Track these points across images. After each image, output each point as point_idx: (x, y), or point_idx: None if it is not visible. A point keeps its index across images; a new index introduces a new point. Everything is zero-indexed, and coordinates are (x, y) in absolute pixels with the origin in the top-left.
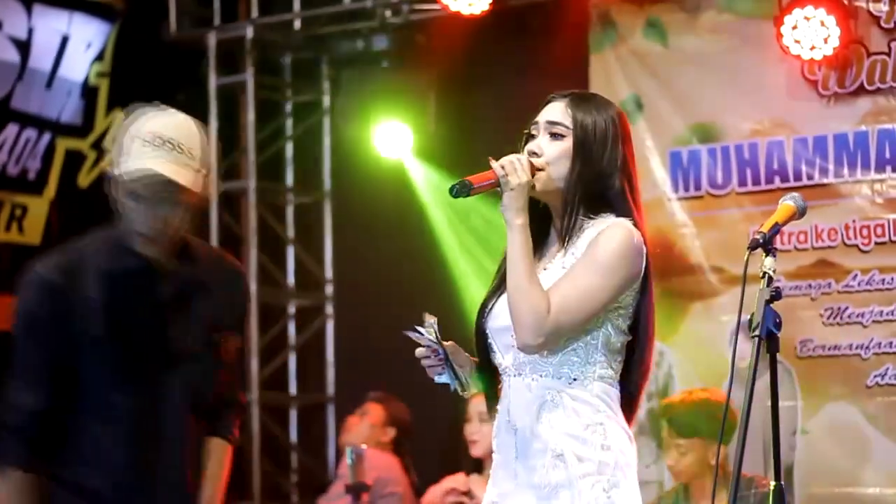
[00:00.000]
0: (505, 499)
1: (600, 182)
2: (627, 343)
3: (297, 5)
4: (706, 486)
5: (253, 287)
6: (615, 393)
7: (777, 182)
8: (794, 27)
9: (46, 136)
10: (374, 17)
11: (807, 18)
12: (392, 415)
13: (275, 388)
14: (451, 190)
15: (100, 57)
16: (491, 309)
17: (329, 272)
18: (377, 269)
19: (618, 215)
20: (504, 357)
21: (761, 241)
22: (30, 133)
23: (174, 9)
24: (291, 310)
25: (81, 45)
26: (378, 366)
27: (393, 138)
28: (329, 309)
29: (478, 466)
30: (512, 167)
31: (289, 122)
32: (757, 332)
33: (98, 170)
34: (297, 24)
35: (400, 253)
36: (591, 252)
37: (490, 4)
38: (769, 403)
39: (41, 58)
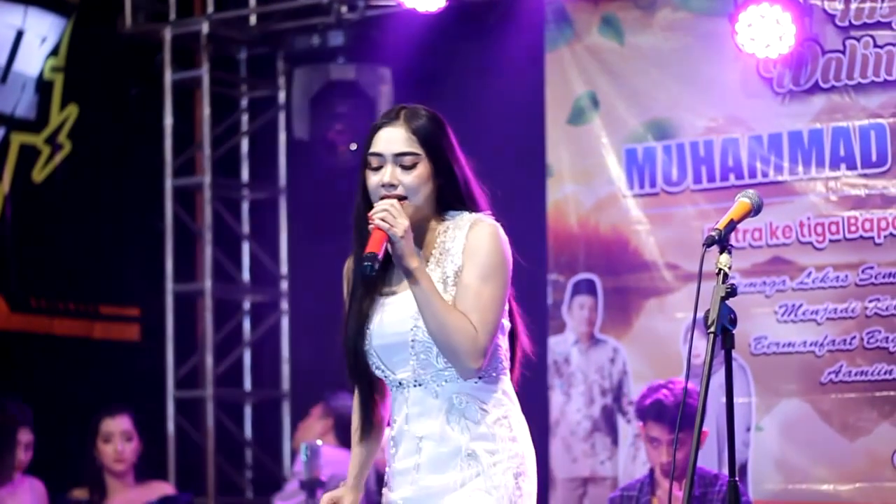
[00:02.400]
0: (416, 500)
1: (458, 189)
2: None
3: (252, 1)
4: None
5: (208, 283)
6: (509, 381)
7: (732, 179)
8: (750, 25)
9: (0, 131)
10: (329, 13)
11: (762, 16)
12: (335, 408)
13: (230, 385)
14: (364, 271)
15: (55, 51)
16: (370, 329)
17: (284, 268)
18: (332, 264)
19: (469, 209)
20: (397, 372)
21: (717, 237)
22: None
23: (129, 3)
24: (246, 305)
25: (36, 40)
26: (333, 362)
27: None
28: (284, 305)
29: None
30: (391, 217)
31: (244, 118)
32: (712, 329)
33: (52, 165)
34: (253, 19)
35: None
36: (475, 260)
37: (446, 0)
38: (724, 400)
39: None
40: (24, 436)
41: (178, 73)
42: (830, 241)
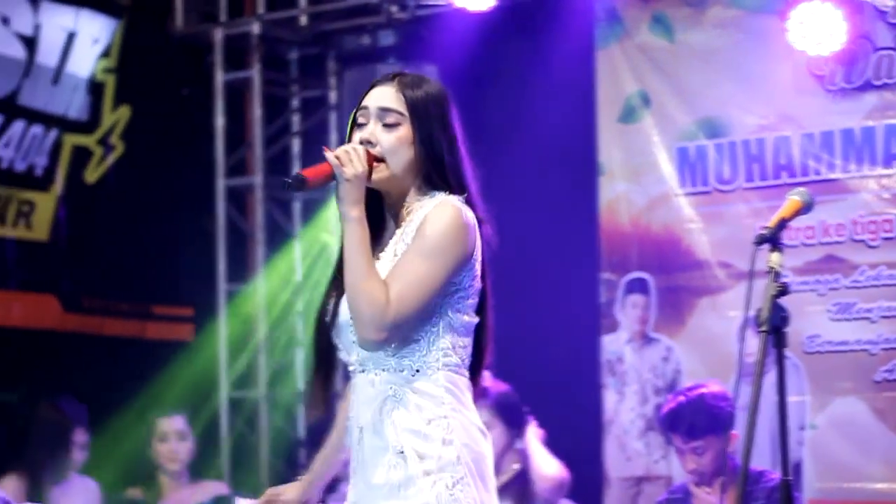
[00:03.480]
0: (358, 502)
1: (440, 163)
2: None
3: (303, 1)
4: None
5: (260, 282)
6: (463, 381)
7: (784, 177)
8: (801, 22)
9: (53, 132)
10: (380, 13)
11: (813, 13)
12: None
13: (283, 384)
14: (283, 185)
15: (106, 53)
16: (335, 307)
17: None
18: None
19: (452, 192)
20: (349, 355)
21: (768, 236)
22: (36, 129)
23: (180, 4)
24: (299, 306)
25: (88, 41)
26: None
27: None
28: None
29: None
30: (348, 158)
31: (295, 118)
32: (764, 328)
33: (105, 166)
34: (304, 19)
35: None
36: (419, 237)
37: (496, 0)
38: (777, 399)
39: (48, 54)
40: (79, 436)
41: (229, 73)
42: (883, 238)
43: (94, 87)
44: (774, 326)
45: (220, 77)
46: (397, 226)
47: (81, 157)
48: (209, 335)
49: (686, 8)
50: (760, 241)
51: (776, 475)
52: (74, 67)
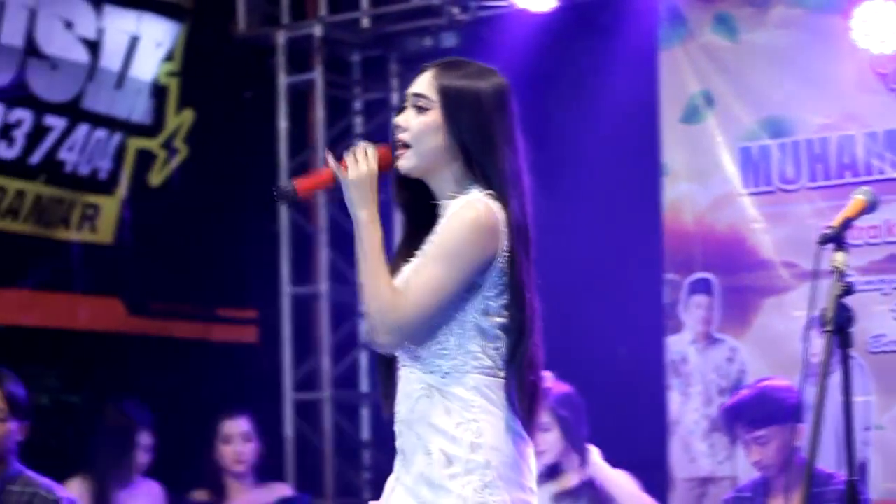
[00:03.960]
0: (393, 490)
1: (472, 154)
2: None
3: (365, 3)
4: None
5: (324, 285)
6: (496, 382)
7: (848, 177)
8: (864, 21)
9: (117, 136)
10: (442, 15)
11: (877, 12)
12: None
13: (347, 386)
14: (273, 190)
15: (169, 56)
16: None
17: None
18: None
19: (488, 189)
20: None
21: (832, 235)
22: (100, 133)
23: (243, 7)
24: (363, 307)
25: (151, 45)
26: None
27: None
28: None
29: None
30: (353, 160)
31: (358, 120)
32: (829, 328)
33: (169, 169)
34: (366, 21)
35: None
36: (436, 238)
37: (558, 0)
38: (842, 399)
39: (111, 58)
40: (144, 438)
41: (291, 76)
42: None
43: (158, 91)
44: (839, 326)
45: (282, 80)
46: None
47: (145, 160)
48: (273, 337)
49: (749, 7)
50: (824, 240)
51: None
52: (138, 71)
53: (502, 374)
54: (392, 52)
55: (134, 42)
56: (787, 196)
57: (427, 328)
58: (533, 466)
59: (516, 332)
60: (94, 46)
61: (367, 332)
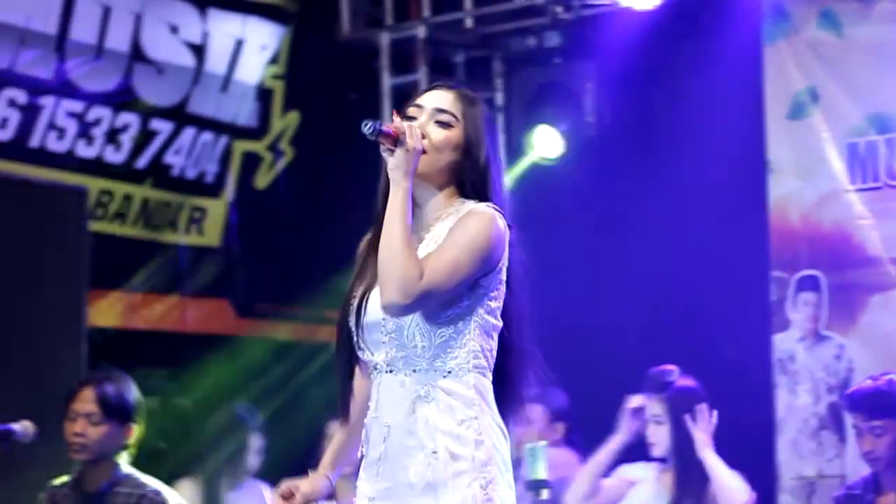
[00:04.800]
0: (380, 497)
1: (475, 174)
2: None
3: (468, 4)
4: None
5: None
6: (488, 384)
7: None
8: None
9: (223, 139)
10: (545, 14)
11: None
12: (554, 410)
13: None
14: (364, 124)
15: (274, 59)
16: (365, 304)
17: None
18: (553, 264)
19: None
20: (375, 354)
21: None
22: (207, 136)
23: (347, 9)
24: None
25: (256, 49)
26: (556, 363)
27: (551, 138)
28: None
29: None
30: (412, 132)
31: None
32: None
33: (275, 171)
34: (469, 22)
35: (573, 250)
36: (458, 229)
37: None
38: None
39: (216, 62)
40: (254, 440)
41: (396, 77)
42: None
43: (263, 94)
44: None
45: (387, 81)
46: (423, 225)
47: (251, 163)
48: None
49: (854, 2)
50: None
51: None
52: (243, 75)
53: (490, 375)
54: (495, 52)
55: (239, 45)
56: (894, 192)
57: (437, 304)
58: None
59: (511, 338)
60: (199, 50)
61: (387, 290)
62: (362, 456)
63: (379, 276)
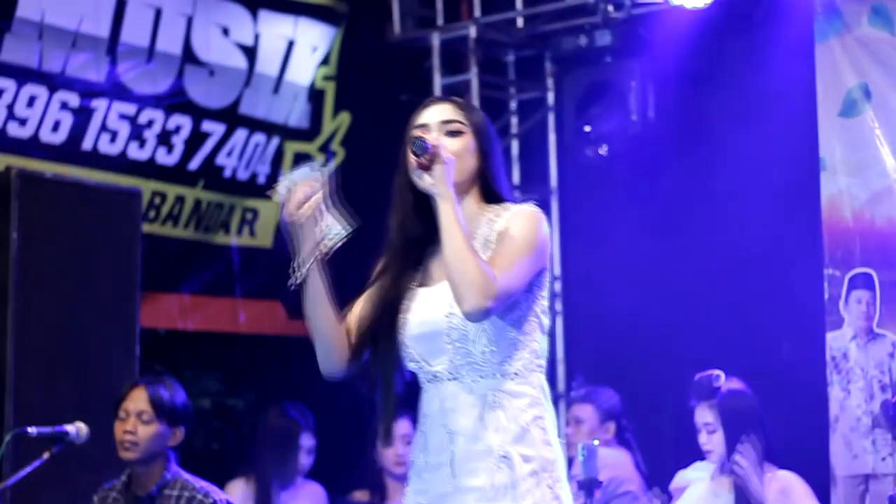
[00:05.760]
0: (440, 502)
1: (495, 178)
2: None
3: (519, 3)
4: None
5: None
6: (546, 383)
7: None
8: None
9: (275, 140)
10: (596, 13)
11: None
12: (605, 410)
13: None
14: (415, 140)
15: (325, 60)
16: (407, 319)
17: (557, 269)
18: (604, 263)
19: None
20: (433, 363)
21: None
22: (258, 137)
23: (397, 10)
24: (557, 305)
25: (307, 49)
26: (605, 361)
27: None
28: (558, 306)
29: None
30: (443, 145)
31: (514, 120)
32: None
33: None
34: (520, 21)
35: (629, 250)
36: (511, 229)
37: None
38: None
39: (268, 63)
40: (306, 440)
41: (447, 77)
42: None
43: (314, 95)
44: None
45: (438, 81)
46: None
47: (303, 163)
48: None
49: None
50: None
51: None
52: (294, 76)
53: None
54: (546, 51)
55: (290, 47)
56: None
57: (507, 304)
58: None
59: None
60: (250, 52)
61: (467, 296)
62: (411, 462)
63: (453, 285)
